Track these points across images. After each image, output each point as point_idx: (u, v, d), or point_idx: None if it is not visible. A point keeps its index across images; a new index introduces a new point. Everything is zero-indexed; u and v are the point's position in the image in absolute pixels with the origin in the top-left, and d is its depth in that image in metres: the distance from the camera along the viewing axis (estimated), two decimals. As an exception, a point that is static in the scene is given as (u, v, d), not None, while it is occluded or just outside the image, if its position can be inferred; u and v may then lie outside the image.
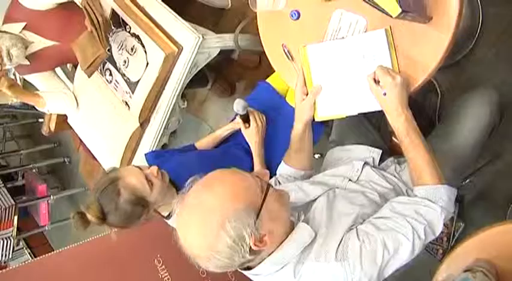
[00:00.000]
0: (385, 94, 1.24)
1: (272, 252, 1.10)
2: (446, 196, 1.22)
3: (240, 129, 1.88)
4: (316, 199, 1.32)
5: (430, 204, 1.20)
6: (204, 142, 1.98)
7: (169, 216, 1.64)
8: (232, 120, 1.97)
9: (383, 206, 1.29)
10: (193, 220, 1.03)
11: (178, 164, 1.74)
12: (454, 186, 1.29)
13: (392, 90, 1.22)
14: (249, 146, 1.85)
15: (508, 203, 2.00)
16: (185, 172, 1.64)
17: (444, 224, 2.07)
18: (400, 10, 1.05)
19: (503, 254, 1.22)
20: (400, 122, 1.24)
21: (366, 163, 1.49)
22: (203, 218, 1.01)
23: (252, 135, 1.78)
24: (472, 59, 1.99)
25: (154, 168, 1.54)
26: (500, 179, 2.02)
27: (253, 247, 1.03)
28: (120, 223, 1.52)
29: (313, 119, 1.44)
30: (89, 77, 1.95)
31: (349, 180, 1.43)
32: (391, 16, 1.07)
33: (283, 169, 1.58)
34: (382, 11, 1.09)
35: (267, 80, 2.02)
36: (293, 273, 1.11)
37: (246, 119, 1.78)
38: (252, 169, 1.84)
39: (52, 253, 2.16)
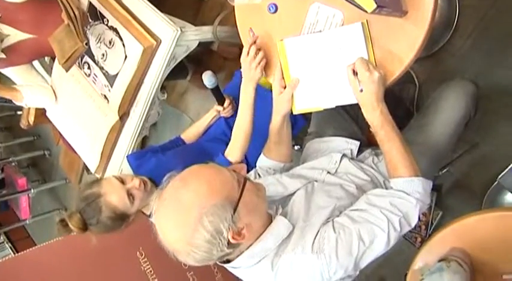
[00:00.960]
0: (361, 91, 1.25)
1: (250, 245, 1.12)
2: (422, 187, 1.24)
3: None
4: (294, 193, 1.33)
5: (405, 196, 1.22)
6: (190, 133, 2.01)
7: (151, 215, 1.65)
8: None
9: (359, 198, 1.31)
10: (170, 215, 1.03)
11: (157, 165, 1.78)
12: (429, 178, 1.31)
13: (369, 85, 1.23)
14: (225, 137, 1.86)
15: (484, 192, 2.04)
16: (163, 172, 1.68)
17: (422, 213, 2.13)
18: (375, 5, 1.06)
19: (477, 244, 1.25)
20: (375, 116, 1.25)
21: (344, 155, 1.51)
22: (180, 213, 1.02)
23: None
24: (449, 51, 2.01)
25: (137, 181, 1.59)
26: (476, 168, 2.06)
27: (232, 241, 1.04)
28: (101, 232, 1.61)
29: (292, 112, 1.45)
30: (67, 71, 1.93)
31: (328, 173, 1.44)
32: (366, 11, 1.08)
33: (262, 161, 1.58)
34: (358, 6, 1.09)
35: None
36: (271, 266, 1.13)
37: (219, 94, 1.81)
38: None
39: (33, 248, 2.15)
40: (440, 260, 1.20)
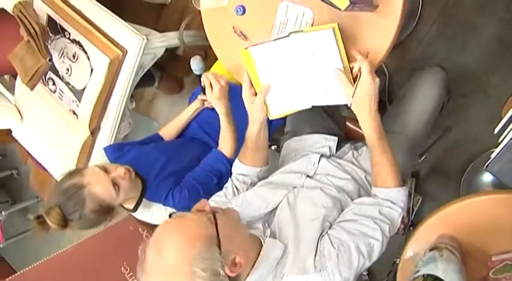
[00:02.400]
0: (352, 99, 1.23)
1: (249, 272, 1.11)
2: (404, 196, 1.28)
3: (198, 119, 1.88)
4: (277, 206, 1.32)
5: (392, 205, 1.25)
6: (169, 129, 1.92)
7: (134, 209, 1.60)
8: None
9: (342, 200, 1.33)
10: None
11: (136, 157, 1.70)
12: (410, 167, 1.44)
13: (370, 89, 1.21)
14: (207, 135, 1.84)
15: (461, 174, 2.09)
16: (143, 164, 1.64)
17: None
18: (348, 3, 1.05)
19: (464, 228, 1.28)
20: (373, 127, 1.24)
21: (322, 155, 1.50)
22: (172, 275, 0.99)
23: (217, 99, 1.56)
24: (415, 39, 2.05)
25: (121, 170, 1.47)
26: (451, 152, 2.10)
27: (231, 274, 1.03)
28: (83, 228, 1.48)
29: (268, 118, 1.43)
30: (32, 89, 1.86)
31: (307, 176, 1.43)
32: (339, 9, 1.07)
33: (238, 168, 1.55)
34: (331, 4, 1.09)
35: (211, 71, 2.00)
36: None
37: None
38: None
39: (15, 275, 2.08)
40: (431, 249, 1.22)
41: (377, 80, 1.21)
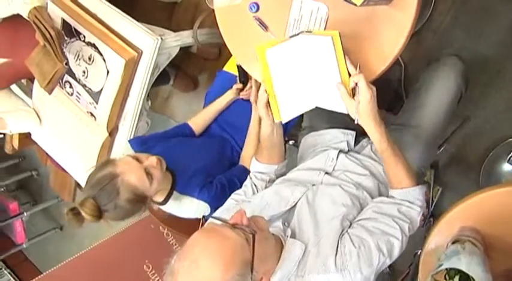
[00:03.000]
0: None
1: (272, 273, 1.12)
2: (421, 194, 1.30)
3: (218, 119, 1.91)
4: (296, 204, 1.33)
5: (410, 204, 1.27)
6: (199, 119, 1.93)
7: (165, 201, 1.60)
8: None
9: (361, 197, 1.34)
10: None
11: (162, 152, 1.67)
12: (429, 159, 1.47)
13: (370, 102, 1.20)
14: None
15: (480, 163, 2.07)
16: (170, 157, 1.63)
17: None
18: (362, -1, 1.05)
19: (485, 220, 1.27)
20: (380, 133, 1.24)
21: (340, 151, 1.50)
22: None
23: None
24: (430, 28, 2.02)
25: (153, 159, 1.47)
26: (470, 142, 2.08)
27: None
28: (117, 219, 1.47)
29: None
30: (50, 94, 1.88)
31: (325, 173, 1.44)
32: (355, 5, 1.07)
33: (255, 166, 1.56)
34: (347, 0, 1.08)
35: (225, 68, 2.02)
36: None
37: (242, 70, 1.74)
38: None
39: (41, 276, 2.14)
40: (453, 242, 1.21)
41: (374, 89, 1.21)
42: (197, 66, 2.79)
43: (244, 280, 1.00)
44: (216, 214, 1.43)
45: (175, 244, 2.31)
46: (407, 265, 2.03)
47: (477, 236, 1.25)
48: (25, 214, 3.98)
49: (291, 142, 2.12)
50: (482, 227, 1.28)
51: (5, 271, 4.48)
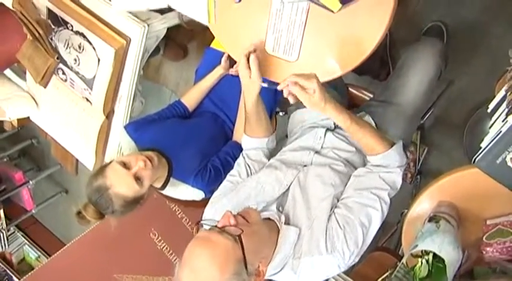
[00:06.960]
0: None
1: (269, 261, 1.22)
2: (397, 154, 1.37)
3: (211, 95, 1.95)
4: (289, 187, 1.41)
5: (387, 169, 1.36)
6: (191, 95, 1.99)
7: (162, 187, 1.72)
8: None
9: (349, 173, 1.42)
10: None
11: (157, 132, 1.80)
12: (412, 131, 1.55)
13: (321, 88, 1.25)
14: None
15: (464, 123, 2.16)
16: (165, 137, 1.75)
17: (409, 151, 2.26)
18: (340, 5, 1.08)
19: (461, 196, 1.38)
20: (338, 112, 1.30)
21: (327, 129, 1.57)
22: None
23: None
24: (413, -4, 2.03)
25: (141, 162, 1.53)
26: (454, 103, 2.16)
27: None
28: (120, 216, 1.61)
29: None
30: (45, 87, 1.91)
31: (315, 152, 1.51)
32: (332, 11, 1.10)
33: (247, 143, 1.64)
34: (323, 7, 1.11)
35: (212, 46, 2.05)
36: (292, 270, 1.25)
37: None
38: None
39: (58, 253, 2.29)
40: (430, 220, 1.32)
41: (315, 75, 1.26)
42: (186, 36, 2.79)
43: (241, 275, 1.11)
44: (214, 200, 1.52)
45: (178, 210, 2.37)
46: (396, 220, 2.14)
47: (452, 212, 1.36)
48: (30, 182, 4.11)
49: (281, 113, 2.19)
50: (458, 202, 1.39)
51: (18, 234, 4.69)
